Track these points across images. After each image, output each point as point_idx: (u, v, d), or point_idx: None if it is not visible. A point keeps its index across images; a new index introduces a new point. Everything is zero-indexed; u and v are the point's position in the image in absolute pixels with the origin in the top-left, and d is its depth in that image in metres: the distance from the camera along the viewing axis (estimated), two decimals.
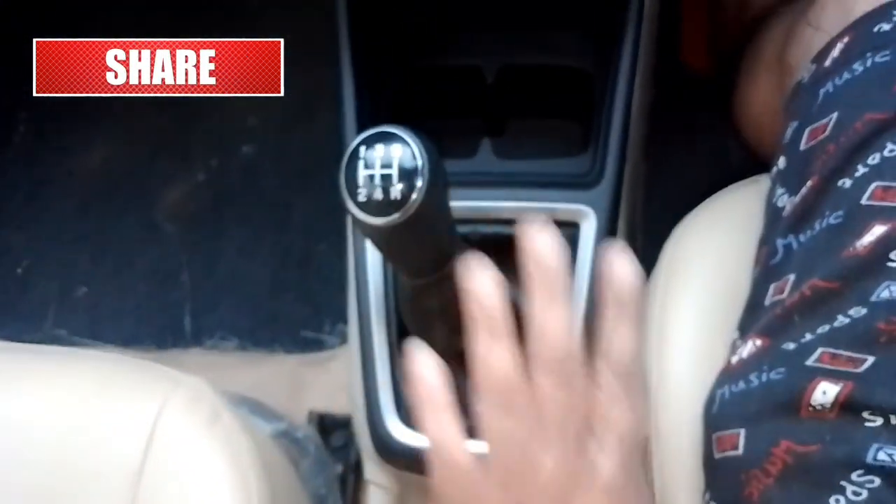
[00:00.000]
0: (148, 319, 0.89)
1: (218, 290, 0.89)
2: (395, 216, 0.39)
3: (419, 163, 0.39)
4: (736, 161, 0.89)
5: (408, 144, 0.39)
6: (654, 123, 0.65)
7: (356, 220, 0.40)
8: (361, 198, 0.39)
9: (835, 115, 0.39)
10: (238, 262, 0.90)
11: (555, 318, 0.30)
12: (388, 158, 0.39)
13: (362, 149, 0.39)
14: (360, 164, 0.39)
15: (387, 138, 0.39)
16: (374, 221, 0.39)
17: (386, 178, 0.39)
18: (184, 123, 0.95)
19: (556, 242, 0.30)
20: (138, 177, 0.94)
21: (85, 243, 0.92)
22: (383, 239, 0.42)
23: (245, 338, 0.87)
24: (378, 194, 0.39)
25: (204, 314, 0.89)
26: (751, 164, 0.68)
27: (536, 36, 0.63)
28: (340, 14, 0.59)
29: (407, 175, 0.39)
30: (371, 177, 0.39)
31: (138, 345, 0.88)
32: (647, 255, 0.61)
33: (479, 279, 0.31)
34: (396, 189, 0.39)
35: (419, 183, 0.39)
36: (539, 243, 0.30)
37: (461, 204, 0.53)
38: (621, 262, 0.30)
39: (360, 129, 0.57)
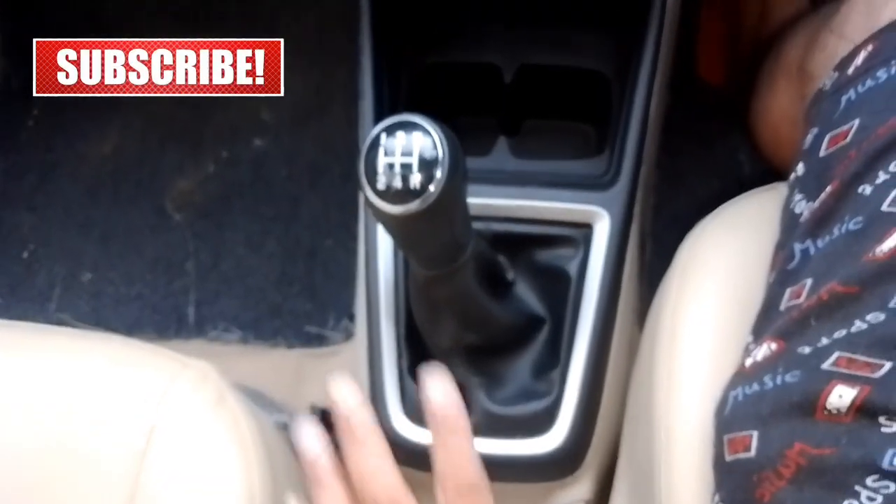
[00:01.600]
0: (152, 307, 0.89)
1: (223, 281, 0.89)
2: (413, 205, 0.39)
3: (440, 153, 0.39)
4: (747, 173, 0.89)
5: (429, 134, 0.39)
6: (666, 133, 0.65)
7: (373, 208, 0.40)
8: (380, 186, 0.39)
9: (857, 122, 0.38)
10: (244, 254, 0.90)
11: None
12: (409, 147, 0.39)
13: (383, 136, 0.39)
14: (381, 151, 0.39)
15: (408, 127, 0.39)
16: (391, 210, 0.39)
17: (406, 167, 0.39)
18: (197, 114, 0.95)
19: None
20: (149, 165, 0.94)
21: (92, 229, 0.92)
22: (399, 228, 0.42)
23: (248, 330, 0.87)
24: (397, 183, 0.39)
25: (208, 304, 0.88)
26: (762, 176, 0.68)
27: (555, 35, 0.63)
28: (363, 6, 0.59)
29: (427, 165, 0.39)
30: (391, 165, 0.39)
31: (141, 332, 0.88)
32: (655, 265, 0.61)
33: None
34: (416, 178, 0.39)
35: (439, 174, 0.39)
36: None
37: (476, 200, 0.53)
38: (433, 385, 0.34)
39: (378, 120, 0.57)
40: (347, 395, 0.36)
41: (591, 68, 0.62)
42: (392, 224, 0.42)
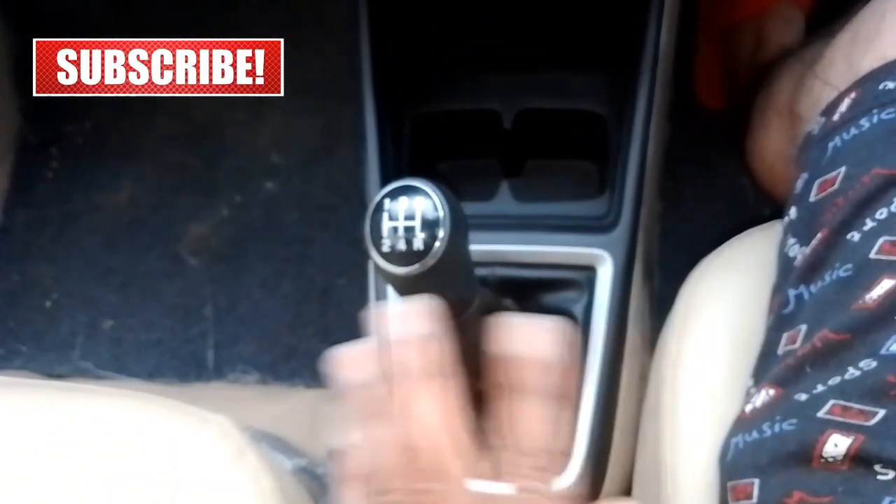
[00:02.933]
0: (171, 352, 0.91)
1: (240, 324, 0.91)
2: (418, 266, 0.40)
3: (441, 214, 0.40)
4: (753, 198, 0.89)
5: (429, 196, 0.41)
6: (669, 160, 0.66)
7: (380, 269, 0.42)
8: (385, 248, 0.41)
9: (843, 169, 0.40)
10: (260, 297, 0.92)
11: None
12: (412, 210, 0.40)
13: (386, 201, 0.41)
14: (385, 216, 0.41)
15: (409, 191, 0.41)
16: (397, 271, 0.41)
17: (409, 230, 0.40)
18: (209, 160, 0.98)
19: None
20: (164, 212, 0.97)
21: (112, 277, 0.94)
22: (405, 286, 0.44)
23: (266, 372, 0.89)
24: (402, 245, 0.40)
25: (226, 348, 0.90)
26: (768, 199, 0.69)
27: (551, 79, 0.65)
28: (363, 58, 0.60)
29: (429, 226, 0.40)
30: (395, 228, 0.41)
31: (161, 378, 0.90)
32: (664, 293, 0.62)
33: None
34: (419, 239, 0.40)
35: (441, 233, 0.40)
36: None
37: (479, 247, 0.54)
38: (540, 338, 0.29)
39: (384, 175, 0.59)
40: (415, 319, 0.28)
41: (589, 110, 0.63)
42: (398, 283, 0.44)
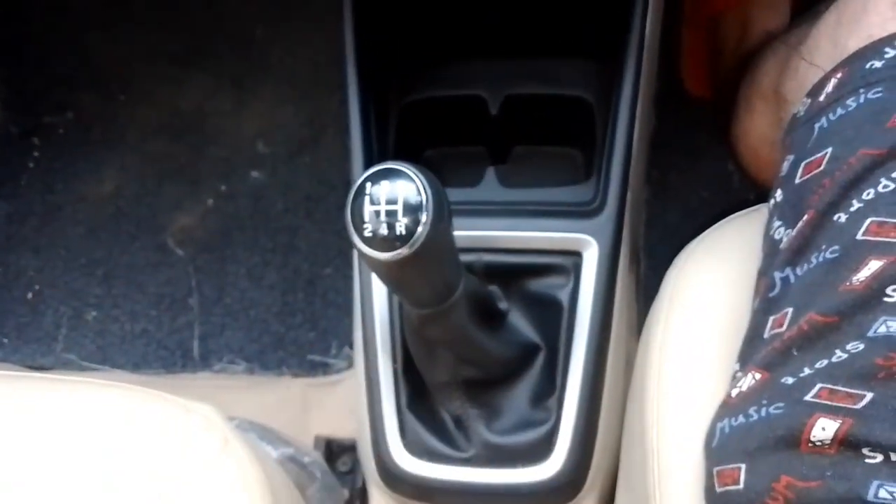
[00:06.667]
0: (157, 343, 0.90)
1: (226, 314, 0.90)
2: (401, 251, 0.40)
3: (423, 198, 0.40)
4: (738, 183, 0.89)
5: (412, 180, 0.40)
6: (655, 147, 0.66)
7: (362, 255, 0.41)
8: (367, 233, 0.40)
9: (829, 150, 0.39)
10: (246, 286, 0.91)
11: None
12: (394, 194, 0.40)
13: (368, 185, 0.40)
14: (366, 200, 0.40)
15: (391, 174, 0.40)
16: (379, 256, 0.40)
17: (391, 214, 0.40)
18: (194, 150, 0.97)
19: None
20: (148, 202, 0.96)
21: (96, 268, 0.93)
22: (388, 273, 0.43)
23: (253, 361, 0.88)
24: (383, 230, 0.40)
25: (213, 338, 0.90)
26: (753, 185, 0.68)
27: (539, 65, 0.64)
28: (348, 47, 0.60)
29: (412, 210, 0.40)
30: (377, 213, 0.40)
31: (147, 368, 0.89)
32: (650, 278, 0.62)
33: None
34: (401, 224, 0.40)
35: (424, 218, 0.40)
36: None
37: (465, 233, 0.54)
38: None
39: (368, 162, 0.58)
40: None
41: (575, 95, 0.63)
42: (382, 269, 0.43)
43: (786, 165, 0.43)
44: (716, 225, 0.50)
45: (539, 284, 0.55)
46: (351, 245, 0.41)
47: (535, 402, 0.54)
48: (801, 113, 0.43)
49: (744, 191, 0.87)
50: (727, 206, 0.54)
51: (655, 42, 0.60)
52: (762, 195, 0.53)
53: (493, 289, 0.55)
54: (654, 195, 0.87)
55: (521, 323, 0.55)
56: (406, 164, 0.41)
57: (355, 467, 0.74)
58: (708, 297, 0.45)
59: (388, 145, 0.62)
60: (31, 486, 0.44)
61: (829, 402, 0.33)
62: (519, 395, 0.54)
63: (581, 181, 0.61)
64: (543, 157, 0.66)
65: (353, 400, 0.59)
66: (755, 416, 0.35)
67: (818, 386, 0.34)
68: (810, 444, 0.32)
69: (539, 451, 0.52)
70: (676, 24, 0.83)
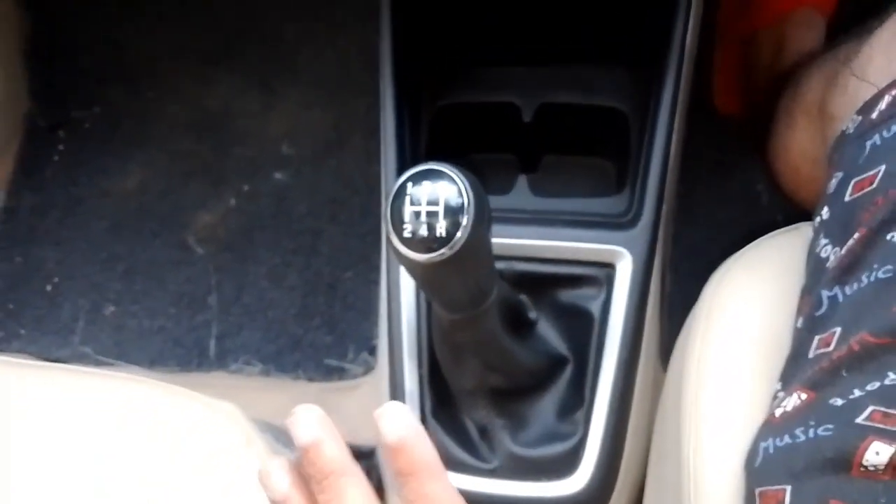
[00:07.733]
0: (174, 341, 0.90)
1: (245, 314, 0.90)
2: (439, 253, 0.39)
3: (465, 200, 0.39)
4: (765, 203, 0.88)
5: (454, 182, 0.40)
6: (683, 163, 0.65)
7: (399, 256, 0.40)
8: (406, 234, 0.39)
9: (883, 168, 0.38)
10: (266, 287, 0.91)
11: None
12: (435, 196, 0.39)
13: (409, 185, 0.40)
14: (407, 200, 0.39)
15: (433, 175, 0.40)
16: (418, 258, 0.39)
17: (431, 216, 0.39)
18: (219, 149, 0.97)
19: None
20: (171, 200, 0.95)
21: (116, 263, 0.93)
22: (425, 274, 0.43)
23: (269, 363, 0.87)
24: (423, 231, 0.39)
25: (230, 338, 0.89)
26: (781, 205, 0.67)
27: (573, 74, 0.64)
28: (384, 47, 0.59)
29: (452, 212, 0.39)
30: (417, 213, 0.39)
31: (163, 366, 0.88)
32: (674, 296, 0.61)
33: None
34: (441, 226, 0.39)
35: (464, 221, 0.39)
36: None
37: (496, 240, 0.53)
38: (389, 419, 0.30)
39: (400, 164, 0.58)
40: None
41: (610, 105, 0.62)
42: (418, 271, 0.42)
43: (833, 183, 0.42)
44: (754, 242, 0.49)
45: (569, 295, 0.55)
46: (375, 250, 0.40)
47: (561, 414, 0.53)
48: (851, 130, 0.43)
49: (772, 210, 0.86)
50: (756, 227, 0.53)
51: (693, 52, 0.59)
52: (791, 216, 0.52)
53: (523, 298, 0.55)
54: (679, 211, 0.86)
55: (549, 333, 0.55)
56: (449, 165, 0.40)
57: (371, 473, 0.73)
58: (746, 314, 0.44)
59: (420, 149, 0.62)
60: (59, 474, 0.43)
61: (882, 426, 0.32)
62: (545, 407, 0.53)
63: (612, 192, 0.61)
64: (574, 167, 0.66)
65: (372, 402, 0.58)
66: (802, 437, 0.34)
67: (870, 408, 0.33)
68: (862, 469, 0.31)
69: (565, 464, 0.51)
70: (708, 41, 0.83)
